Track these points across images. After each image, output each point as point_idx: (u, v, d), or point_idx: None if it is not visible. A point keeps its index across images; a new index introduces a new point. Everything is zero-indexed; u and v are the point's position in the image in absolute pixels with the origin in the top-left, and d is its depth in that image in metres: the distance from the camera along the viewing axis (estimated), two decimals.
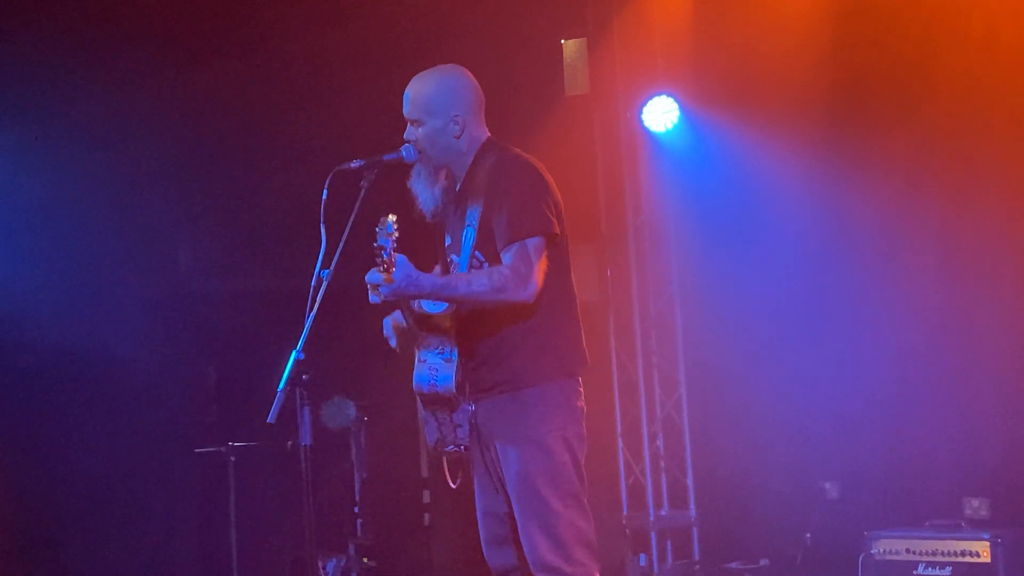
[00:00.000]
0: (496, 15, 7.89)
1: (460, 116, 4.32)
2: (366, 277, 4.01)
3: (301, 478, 4.10)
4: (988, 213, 7.15)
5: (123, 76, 7.57)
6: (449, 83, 4.37)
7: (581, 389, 4.32)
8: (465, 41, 7.65)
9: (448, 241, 4.40)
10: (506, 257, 4.14)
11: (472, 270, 4.22)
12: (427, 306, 4.25)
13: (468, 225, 4.25)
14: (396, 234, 3.92)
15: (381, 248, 3.90)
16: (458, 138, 4.33)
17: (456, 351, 4.19)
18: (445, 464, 4.36)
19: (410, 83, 4.38)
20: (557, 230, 4.23)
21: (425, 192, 4.35)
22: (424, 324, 4.23)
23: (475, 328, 4.24)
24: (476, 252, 4.22)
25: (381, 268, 3.92)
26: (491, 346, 4.24)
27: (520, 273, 4.11)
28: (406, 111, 4.35)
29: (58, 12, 7.28)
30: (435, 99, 4.33)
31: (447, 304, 4.22)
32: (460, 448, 4.28)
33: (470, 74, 4.41)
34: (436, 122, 4.31)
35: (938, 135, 7.30)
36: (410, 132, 4.35)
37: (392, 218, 3.94)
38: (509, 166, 4.28)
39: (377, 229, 3.91)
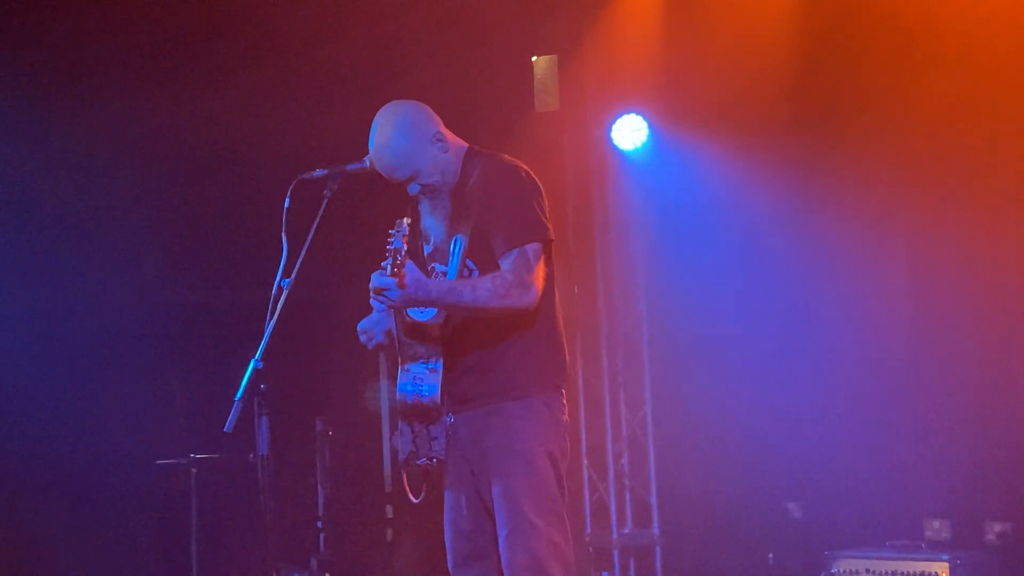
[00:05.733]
0: (468, 31, 7.90)
1: (437, 133, 4.20)
2: (372, 281, 3.86)
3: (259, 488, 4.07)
4: (957, 230, 7.16)
5: (89, 95, 7.57)
6: (404, 120, 4.19)
7: (564, 402, 4.25)
8: (437, 57, 7.66)
9: (428, 250, 4.29)
10: (505, 263, 4.06)
11: (462, 278, 4.12)
12: (415, 314, 4.11)
13: (459, 232, 4.15)
14: (407, 238, 3.83)
15: (397, 251, 3.78)
16: (447, 152, 4.21)
17: (441, 361, 4.10)
18: (406, 479, 4.20)
19: (374, 151, 4.17)
20: (553, 236, 4.18)
21: (439, 227, 4.22)
22: (412, 332, 4.12)
23: (464, 337, 4.15)
24: (467, 260, 4.13)
25: (392, 271, 3.79)
26: (479, 356, 4.15)
27: (523, 279, 4.03)
28: (397, 176, 4.16)
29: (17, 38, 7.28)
30: (408, 141, 4.15)
31: (436, 311, 4.10)
32: (432, 462, 4.15)
33: (407, 101, 4.27)
34: (426, 156, 4.15)
35: (908, 153, 7.31)
36: (414, 187, 4.19)
37: (407, 220, 3.84)
38: (503, 172, 4.20)
39: (392, 232, 3.81)
